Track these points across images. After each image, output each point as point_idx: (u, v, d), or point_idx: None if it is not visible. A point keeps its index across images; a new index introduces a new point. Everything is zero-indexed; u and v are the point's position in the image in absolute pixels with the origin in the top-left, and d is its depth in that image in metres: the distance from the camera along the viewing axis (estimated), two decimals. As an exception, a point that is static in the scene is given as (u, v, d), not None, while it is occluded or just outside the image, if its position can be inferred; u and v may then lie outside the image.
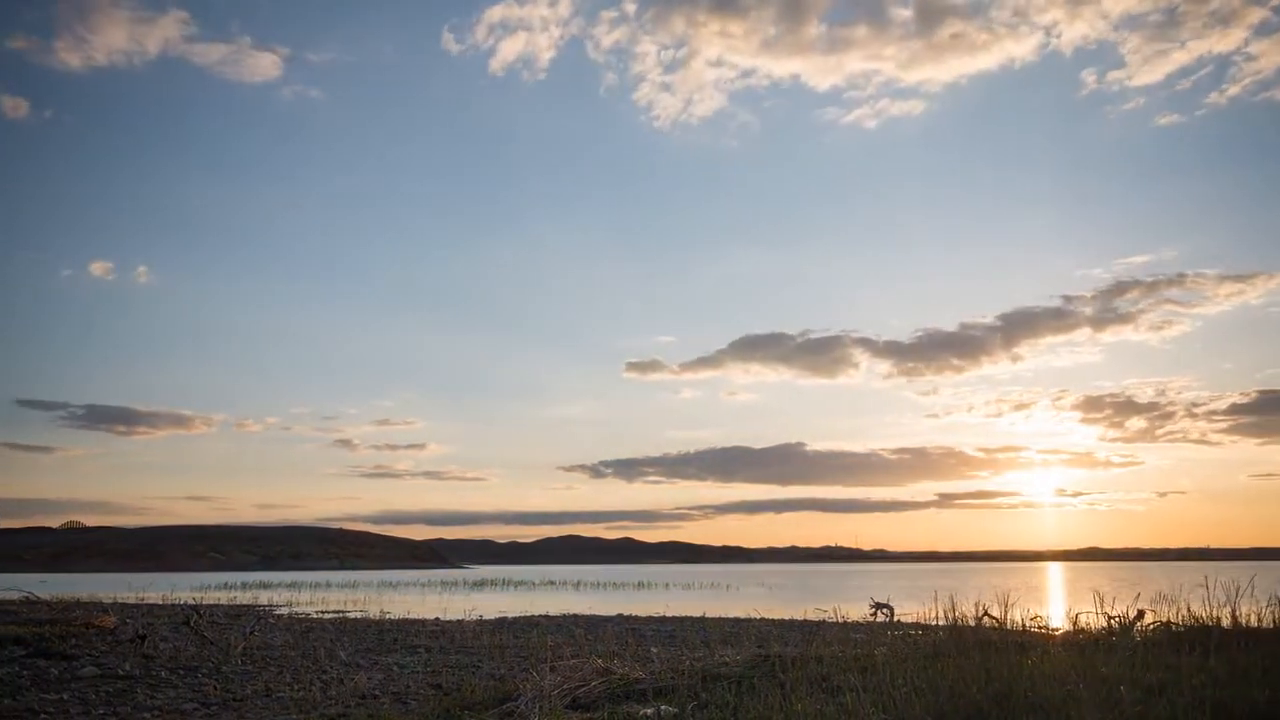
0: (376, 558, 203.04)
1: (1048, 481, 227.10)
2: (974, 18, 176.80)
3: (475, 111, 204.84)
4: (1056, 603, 32.51)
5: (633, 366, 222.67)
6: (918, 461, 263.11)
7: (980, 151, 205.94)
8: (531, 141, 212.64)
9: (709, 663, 10.76)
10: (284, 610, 35.93)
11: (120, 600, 41.41)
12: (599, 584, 71.50)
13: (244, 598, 47.70)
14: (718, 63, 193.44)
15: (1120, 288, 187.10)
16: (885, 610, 17.71)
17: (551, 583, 74.65)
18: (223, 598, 46.29)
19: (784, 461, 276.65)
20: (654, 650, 15.46)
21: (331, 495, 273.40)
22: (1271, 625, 9.99)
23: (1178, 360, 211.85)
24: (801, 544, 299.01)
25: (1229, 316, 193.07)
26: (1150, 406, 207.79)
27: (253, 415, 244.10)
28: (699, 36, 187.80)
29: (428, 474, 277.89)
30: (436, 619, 29.44)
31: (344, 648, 19.10)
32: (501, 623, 27.04)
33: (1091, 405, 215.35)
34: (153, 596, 45.63)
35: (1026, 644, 9.94)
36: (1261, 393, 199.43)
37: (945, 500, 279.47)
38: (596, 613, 32.76)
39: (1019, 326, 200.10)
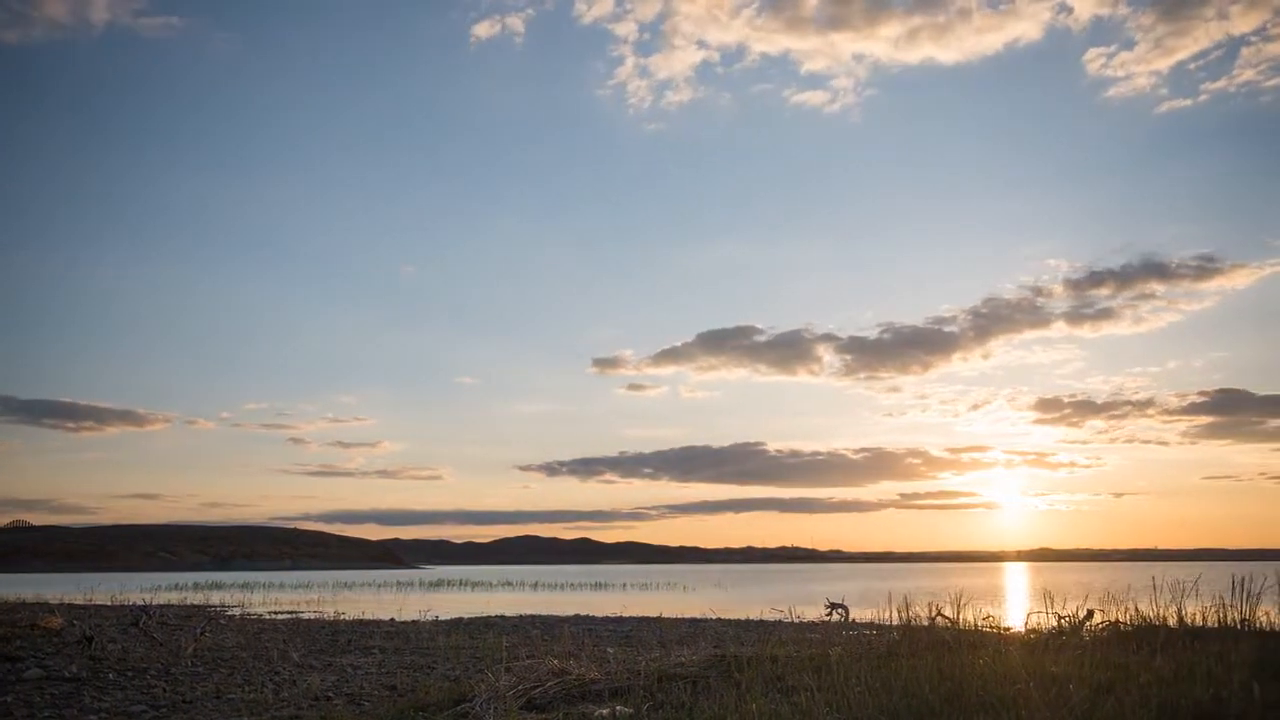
0: (331, 558, 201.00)
1: (1008, 482, 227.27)
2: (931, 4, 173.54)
3: (436, 102, 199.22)
4: (1009, 603, 32.94)
5: (598, 363, 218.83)
6: (878, 462, 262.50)
7: (967, 138, 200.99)
8: (493, 131, 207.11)
9: (665, 663, 10.77)
10: (236, 611, 35.49)
11: (67, 601, 40.71)
12: (556, 584, 71.40)
13: (195, 598, 47.07)
14: (695, 43, 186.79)
15: (1094, 279, 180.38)
16: (840, 610, 17.84)
17: (508, 583, 74.41)
18: (173, 598, 45.60)
19: (743, 461, 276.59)
20: (610, 650, 15.46)
21: (285, 494, 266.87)
22: (1216, 624, 10.20)
23: (1143, 358, 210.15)
24: (758, 544, 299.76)
25: (1203, 311, 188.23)
26: (1111, 406, 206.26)
27: (204, 412, 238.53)
28: (677, 14, 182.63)
29: (382, 472, 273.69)
30: (392, 620, 29.23)
31: (297, 649, 18.90)
32: (457, 623, 26.90)
33: (1053, 406, 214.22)
34: (101, 597, 44.92)
35: (979, 643, 10.06)
36: (1220, 392, 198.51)
37: (905, 501, 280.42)
38: (553, 613, 32.72)
39: (989, 322, 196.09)
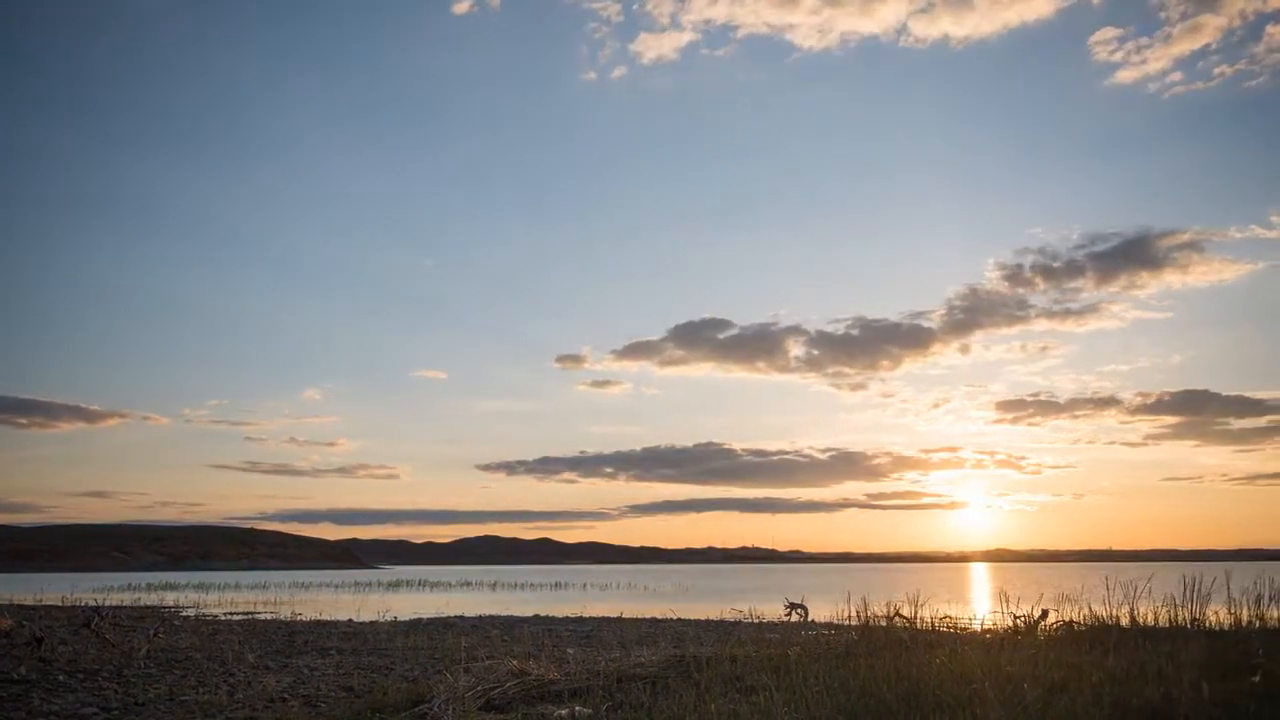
0: (288, 558, 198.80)
1: (972, 482, 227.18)
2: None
3: (401, 93, 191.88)
4: (967, 603, 33.28)
5: (562, 359, 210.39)
6: (843, 461, 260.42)
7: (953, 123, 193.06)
8: (458, 124, 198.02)
9: (625, 663, 10.77)
10: (191, 612, 35.03)
11: (17, 601, 39.96)
12: (516, 585, 71.17)
13: (149, 599, 46.38)
14: (669, 21, 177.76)
15: (1068, 274, 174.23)
16: (800, 610, 17.97)
17: (468, 583, 74.06)
18: (126, 599, 44.89)
19: (707, 460, 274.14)
20: (570, 651, 15.43)
21: (241, 493, 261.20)
22: (1168, 624, 10.38)
23: (1114, 356, 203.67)
24: (719, 544, 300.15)
25: (1173, 309, 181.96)
26: (1075, 406, 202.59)
27: (158, 409, 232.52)
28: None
29: (341, 471, 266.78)
30: (349, 620, 29.00)
31: (252, 650, 18.69)
32: (416, 624, 26.74)
33: (1017, 406, 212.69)
34: (52, 598, 44.18)
35: (935, 643, 10.17)
36: (1186, 392, 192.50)
37: (869, 501, 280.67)
38: (513, 614, 32.61)
39: (961, 318, 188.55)
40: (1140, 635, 9.57)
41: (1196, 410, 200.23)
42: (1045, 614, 11.76)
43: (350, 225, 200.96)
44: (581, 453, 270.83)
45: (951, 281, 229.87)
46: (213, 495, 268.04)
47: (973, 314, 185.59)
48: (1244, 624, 10.03)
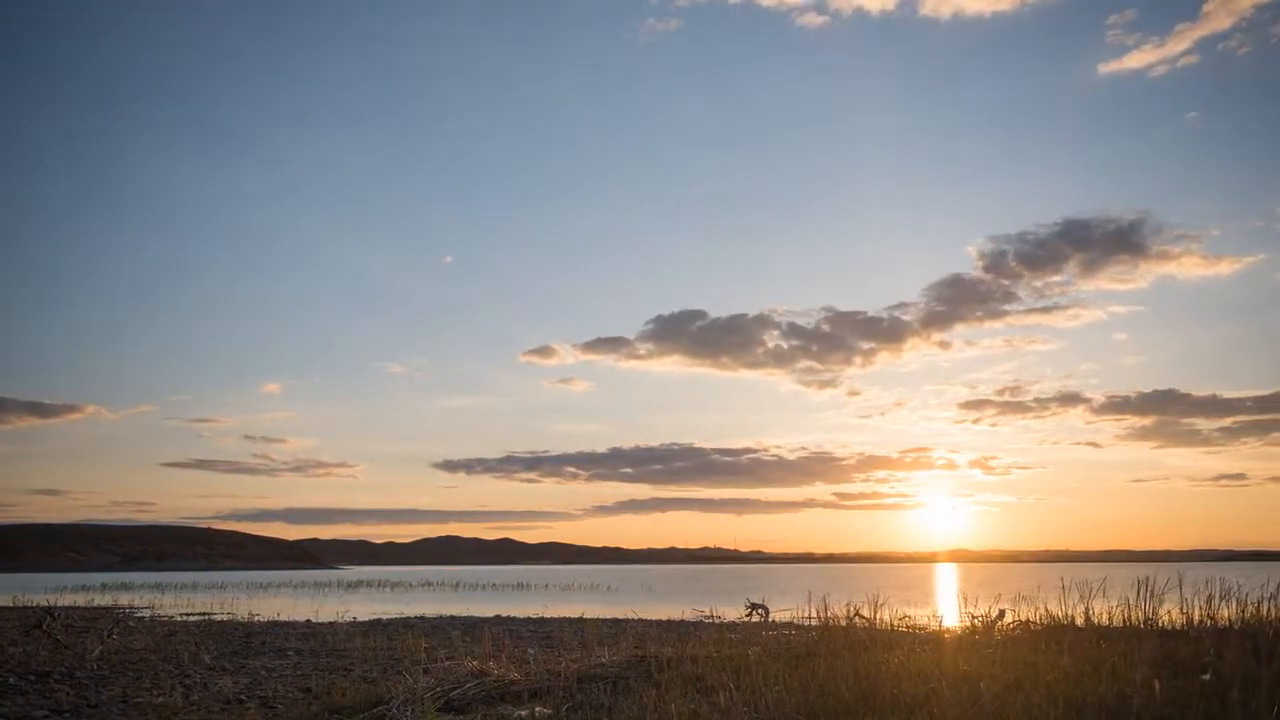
0: (246, 558, 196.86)
1: (938, 482, 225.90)
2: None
3: (358, 64, 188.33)
4: (928, 603, 33.57)
5: (530, 353, 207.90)
6: (809, 461, 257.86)
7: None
8: (417, 100, 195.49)
9: (585, 664, 10.75)
10: (146, 613, 34.56)
11: (-34, 603, 39.23)
12: (477, 585, 70.88)
13: (103, 600, 45.70)
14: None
15: (1044, 269, 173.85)
16: (760, 611, 18.02)
17: (429, 584, 73.64)
18: (79, 600, 44.24)
19: (672, 460, 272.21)
20: (531, 652, 15.39)
21: (198, 491, 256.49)
22: (1122, 623, 10.53)
23: (1085, 355, 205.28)
24: (681, 545, 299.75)
25: (1144, 306, 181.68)
26: (1043, 405, 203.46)
27: (114, 405, 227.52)
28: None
29: (300, 469, 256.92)
30: (308, 621, 28.74)
31: (209, 651, 18.47)
32: (375, 625, 26.55)
33: (985, 406, 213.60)
34: (2, 599, 43.45)
35: (894, 643, 10.24)
36: (1156, 393, 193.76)
37: (838, 501, 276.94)
38: (474, 614, 32.48)
39: (940, 310, 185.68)
40: (1095, 634, 9.70)
41: (1164, 410, 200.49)
42: (1002, 614, 11.89)
43: (311, 215, 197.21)
44: (545, 452, 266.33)
45: (925, 276, 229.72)
46: (167, 494, 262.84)
47: (947, 309, 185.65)
48: (1196, 623, 10.18)
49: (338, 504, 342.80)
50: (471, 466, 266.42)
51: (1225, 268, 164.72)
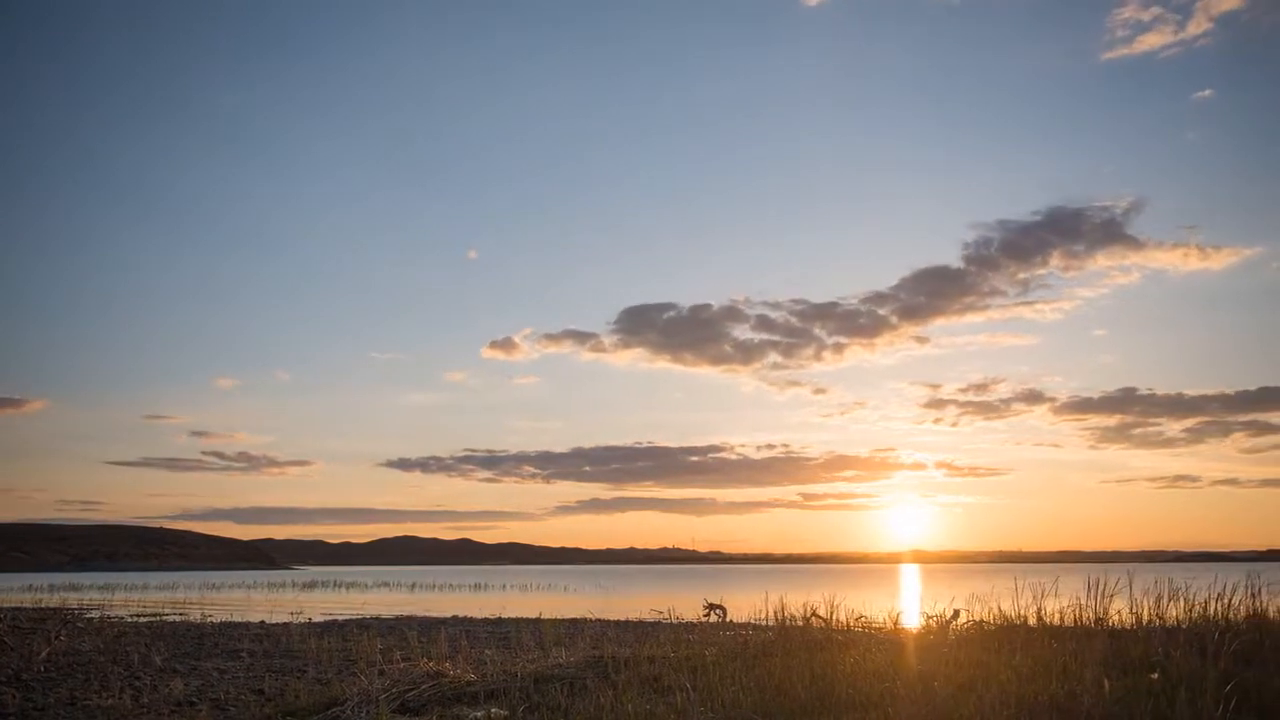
0: (199, 558, 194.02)
1: (906, 482, 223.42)
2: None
3: (318, 54, 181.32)
4: (885, 603, 33.85)
5: (493, 345, 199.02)
6: (771, 460, 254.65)
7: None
8: (384, 92, 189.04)
9: (542, 664, 10.73)
10: (95, 614, 33.95)
11: (-92, 604, 38.36)
12: (435, 585, 70.45)
13: (51, 601, 44.87)
14: None
15: (1040, 254, 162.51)
16: (718, 611, 18.06)
17: (385, 584, 73.09)
18: (27, 600, 43.46)
19: (634, 460, 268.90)
20: (488, 653, 15.33)
21: (149, 490, 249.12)
22: (1073, 623, 10.68)
23: (1051, 352, 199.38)
24: (640, 545, 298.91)
25: (1113, 304, 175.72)
26: (1011, 404, 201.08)
27: (62, 400, 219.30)
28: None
29: (250, 466, 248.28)
30: (262, 622, 28.40)
31: (160, 653, 18.19)
32: (331, 625, 26.30)
33: (952, 405, 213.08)
34: (-54, 599, 42.48)
35: (850, 643, 10.32)
36: (1122, 390, 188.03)
37: (804, 501, 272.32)
38: (431, 614, 32.28)
39: (916, 303, 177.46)
40: (1047, 634, 9.82)
41: (1128, 410, 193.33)
42: (957, 614, 12.01)
43: (259, 204, 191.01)
44: (504, 451, 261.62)
45: (903, 268, 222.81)
46: (115, 492, 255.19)
47: (926, 302, 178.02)
48: (1145, 622, 10.35)
49: (292, 503, 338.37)
50: (427, 465, 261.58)
51: (1218, 261, 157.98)
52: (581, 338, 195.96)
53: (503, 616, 30.54)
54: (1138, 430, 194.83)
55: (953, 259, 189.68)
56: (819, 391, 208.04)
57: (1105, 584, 11.05)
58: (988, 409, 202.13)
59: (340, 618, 30.75)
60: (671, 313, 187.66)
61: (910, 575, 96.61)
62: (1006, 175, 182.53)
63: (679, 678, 8.73)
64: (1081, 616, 10.79)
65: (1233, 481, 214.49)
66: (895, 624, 12.23)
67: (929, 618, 11.93)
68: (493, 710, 8.96)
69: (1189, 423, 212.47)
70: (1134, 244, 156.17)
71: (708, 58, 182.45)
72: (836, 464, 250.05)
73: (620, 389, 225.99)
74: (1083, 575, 11.51)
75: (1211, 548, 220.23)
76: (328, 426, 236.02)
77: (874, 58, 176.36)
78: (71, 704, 11.77)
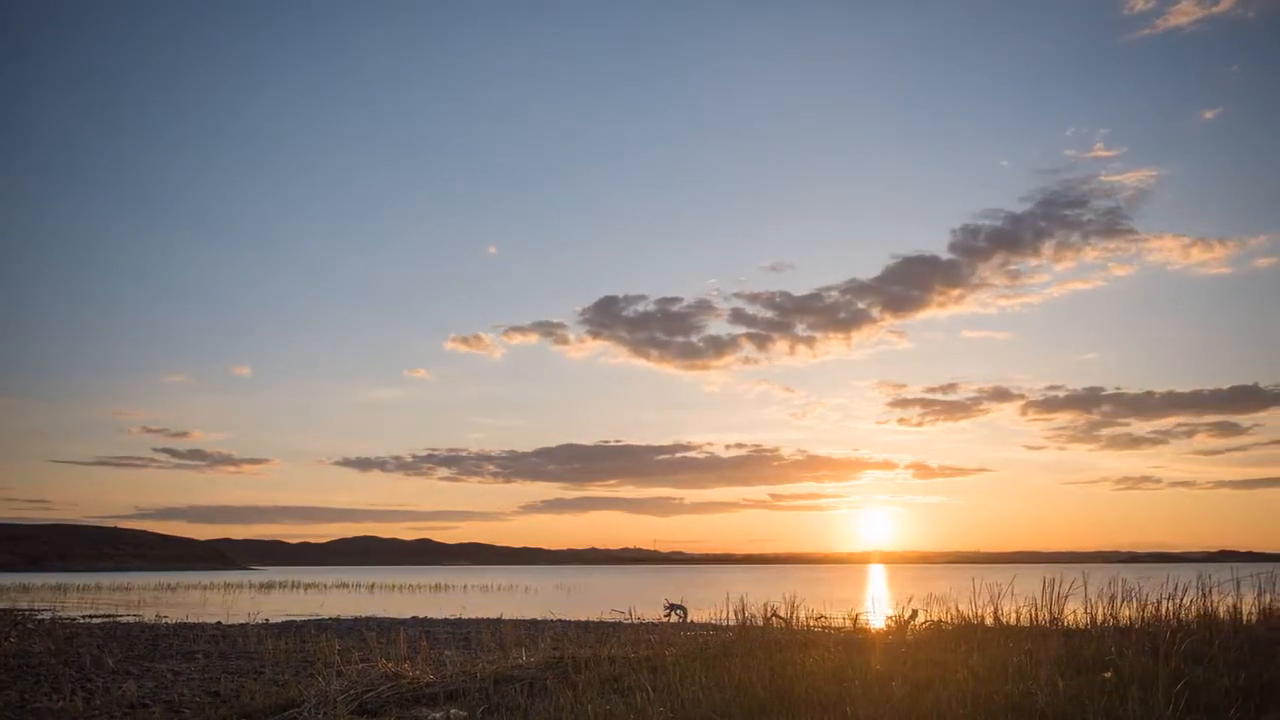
0: (154, 559, 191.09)
1: (875, 482, 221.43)
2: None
3: (281, 38, 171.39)
4: (844, 604, 34.07)
5: (458, 339, 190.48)
6: (738, 460, 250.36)
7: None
8: (354, 75, 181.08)
9: (502, 665, 10.69)
10: (47, 615, 33.38)
11: None
12: (395, 586, 69.99)
13: (1, 602, 44.08)
14: None
15: (1031, 245, 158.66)
16: (679, 611, 18.11)
17: (344, 585, 72.52)
18: (-24, 602, 42.61)
19: (599, 459, 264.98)
20: (448, 654, 15.25)
21: (103, 488, 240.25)
22: (1029, 623, 10.82)
23: (1023, 348, 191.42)
24: (601, 545, 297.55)
25: (1090, 300, 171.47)
26: (980, 403, 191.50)
27: (6, 395, 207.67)
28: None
29: (205, 464, 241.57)
30: (218, 623, 28.07)
31: (113, 654, 17.93)
32: (288, 626, 26.05)
33: (918, 404, 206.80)
34: (-108, 600, 41.60)
35: (810, 643, 10.36)
36: (1088, 389, 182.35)
37: (773, 501, 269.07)
38: (390, 615, 32.07)
39: (894, 295, 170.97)
40: (1003, 634, 9.94)
41: (1095, 408, 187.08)
42: (915, 614, 12.12)
43: (215, 193, 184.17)
44: (466, 450, 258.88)
45: (885, 259, 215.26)
46: (64, 491, 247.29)
47: (906, 294, 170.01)
48: (1099, 622, 10.50)
49: (249, 502, 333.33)
50: (386, 464, 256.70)
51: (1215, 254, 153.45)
52: (548, 329, 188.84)
53: (463, 617, 30.43)
54: (1104, 428, 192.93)
55: (941, 249, 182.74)
56: (789, 390, 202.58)
57: (1060, 584, 11.20)
58: (959, 408, 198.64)
59: (298, 619, 30.47)
60: (640, 305, 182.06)
61: (874, 575, 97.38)
62: (999, 163, 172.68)
63: (639, 678, 8.74)
64: (1037, 616, 10.92)
65: (1189, 484, 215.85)
66: (855, 624, 12.32)
67: (887, 618, 12.03)
68: (452, 711, 8.92)
69: (1158, 423, 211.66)
70: (1128, 235, 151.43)
71: (681, 43, 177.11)
72: (807, 464, 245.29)
73: (587, 385, 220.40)
74: (1039, 575, 11.66)
75: (1165, 548, 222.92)
76: (286, 424, 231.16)
77: (855, 40, 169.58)
78: (21, 706, 11.56)
